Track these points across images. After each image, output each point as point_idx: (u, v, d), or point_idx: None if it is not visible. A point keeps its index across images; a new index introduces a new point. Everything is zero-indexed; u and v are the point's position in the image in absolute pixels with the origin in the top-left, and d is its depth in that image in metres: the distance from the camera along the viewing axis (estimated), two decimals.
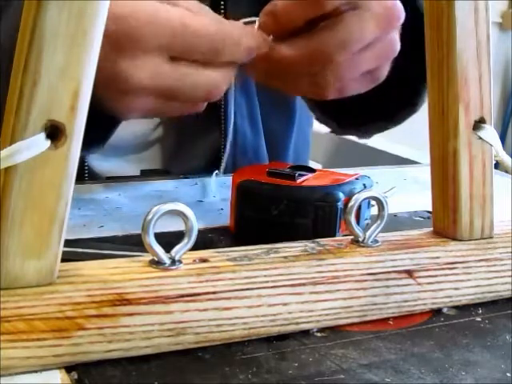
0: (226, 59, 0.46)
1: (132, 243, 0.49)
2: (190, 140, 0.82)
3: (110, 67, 0.44)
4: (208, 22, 0.45)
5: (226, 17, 0.72)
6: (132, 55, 0.44)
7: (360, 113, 0.57)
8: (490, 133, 0.45)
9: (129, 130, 0.78)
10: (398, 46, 0.50)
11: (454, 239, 0.46)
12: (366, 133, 0.57)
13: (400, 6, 0.49)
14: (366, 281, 0.42)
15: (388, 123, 0.54)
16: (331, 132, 0.65)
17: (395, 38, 0.50)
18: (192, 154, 0.83)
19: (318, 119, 0.71)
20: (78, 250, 0.47)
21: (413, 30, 0.51)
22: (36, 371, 0.35)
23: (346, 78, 0.49)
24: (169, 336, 0.37)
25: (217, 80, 0.47)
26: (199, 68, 0.46)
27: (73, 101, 0.33)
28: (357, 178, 0.55)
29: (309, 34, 0.47)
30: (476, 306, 0.46)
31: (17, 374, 0.34)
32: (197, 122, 0.80)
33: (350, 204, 0.44)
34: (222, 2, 0.73)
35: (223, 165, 0.73)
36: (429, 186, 0.48)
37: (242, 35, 0.46)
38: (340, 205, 0.51)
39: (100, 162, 0.78)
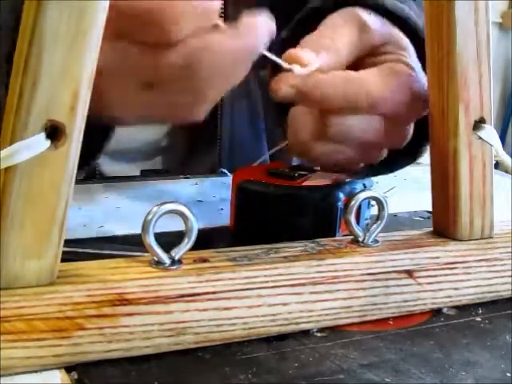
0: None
1: (132, 243, 0.49)
2: (191, 140, 0.82)
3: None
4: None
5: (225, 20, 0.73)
6: None
7: None
8: (490, 133, 0.45)
9: (139, 137, 0.78)
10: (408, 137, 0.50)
11: (454, 239, 0.46)
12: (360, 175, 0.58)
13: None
14: (365, 281, 0.42)
15: (385, 171, 0.55)
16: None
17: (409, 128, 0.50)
18: (193, 156, 0.83)
19: None
20: (78, 250, 0.47)
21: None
22: (36, 371, 0.35)
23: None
24: (169, 336, 0.37)
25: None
26: None
27: (73, 101, 0.33)
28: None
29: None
30: (476, 305, 0.46)
31: (17, 373, 0.34)
32: (197, 125, 0.81)
33: (350, 204, 0.44)
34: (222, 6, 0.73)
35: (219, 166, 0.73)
36: (429, 186, 0.48)
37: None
38: (340, 205, 0.51)
39: (106, 162, 0.79)
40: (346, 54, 0.47)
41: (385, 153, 0.51)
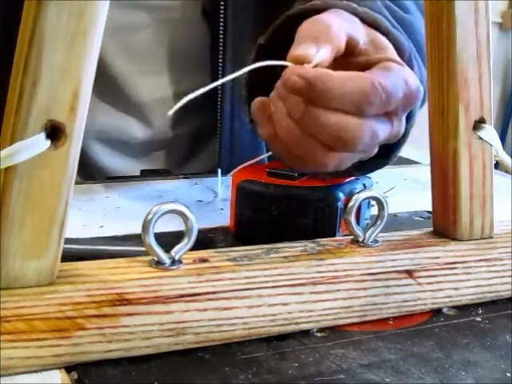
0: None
1: (132, 243, 0.49)
2: (191, 141, 0.82)
3: None
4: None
5: (225, 29, 0.73)
6: None
7: None
8: (490, 133, 0.45)
9: (140, 130, 0.78)
10: (403, 130, 0.50)
11: (454, 239, 0.46)
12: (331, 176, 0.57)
13: (421, 88, 0.48)
14: (365, 281, 0.42)
15: (356, 172, 0.55)
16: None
17: (403, 120, 0.50)
18: (193, 155, 0.83)
19: None
20: (72, 247, 0.47)
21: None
22: (36, 371, 0.35)
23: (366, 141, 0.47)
24: (169, 336, 0.37)
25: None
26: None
27: (73, 101, 0.33)
28: (357, 178, 0.55)
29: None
30: (476, 305, 0.46)
31: (17, 374, 0.34)
32: (197, 123, 0.81)
33: (350, 204, 0.44)
34: (222, 15, 0.73)
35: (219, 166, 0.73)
36: (429, 186, 0.48)
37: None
38: (340, 205, 0.51)
39: (106, 158, 0.79)
40: (340, 46, 0.47)
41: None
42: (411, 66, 0.51)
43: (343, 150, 0.46)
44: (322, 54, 0.45)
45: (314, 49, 0.45)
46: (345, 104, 0.44)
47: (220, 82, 0.43)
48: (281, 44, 0.52)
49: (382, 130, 0.46)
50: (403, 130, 0.49)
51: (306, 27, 0.47)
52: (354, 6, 0.51)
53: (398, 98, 0.45)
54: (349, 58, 0.48)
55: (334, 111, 0.44)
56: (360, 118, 0.44)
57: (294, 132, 0.45)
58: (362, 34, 0.49)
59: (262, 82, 0.48)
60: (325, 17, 0.48)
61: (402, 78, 0.46)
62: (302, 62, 0.44)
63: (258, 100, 0.47)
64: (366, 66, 0.47)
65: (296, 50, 0.45)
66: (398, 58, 0.49)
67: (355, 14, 0.51)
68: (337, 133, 0.44)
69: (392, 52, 0.50)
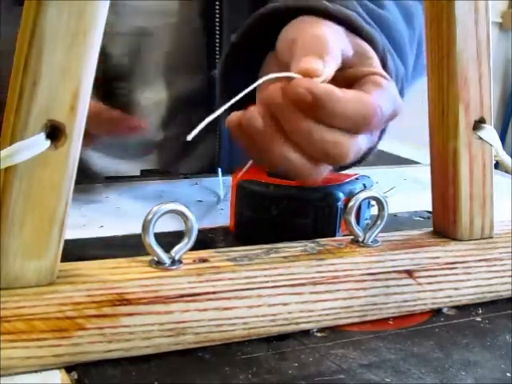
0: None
1: (132, 243, 0.49)
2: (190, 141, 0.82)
3: None
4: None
5: (221, 22, 0.73)
6: None
7: None
8: (490, 133, 0.45)
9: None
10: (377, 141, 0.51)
11: (454, 239, 0.46)
12: None
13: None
14: (365, 281, 0.42)
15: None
16: None
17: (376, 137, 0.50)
18: (192, 154, 0.83)
19: None
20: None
21: None
22: (36, 371, 0.35)
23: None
24: (169, 336, 0.37)
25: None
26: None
27: (73, 101, 0.33)
28: (357, 178, 0.55)
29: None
30: (476, 305, 0.46)
31: (17, 374, 0.34)
32: (192, 123, 0.81)
33: (350, 204, 0.44)
34: (217, 7, 0.73)
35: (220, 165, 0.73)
36: (429, 186, 0.48)
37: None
38: (340, 205, 0.51)
39: (102, 160, 0.79)
40: (338, 62, 0.47)
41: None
42: (385, 60, 0.51)
43: (328, 164, 0.46)
44: (330, 69, 0.45)
45: (321, 63, 0.45)
46: (345, 123, 0.44)
47: (234, 99, 0.42)
48: (253, 42, 0.52)
49: (365, 145, 0.47)
50: (377, 140, 0.50)
51: (305, 40, 0.47)
52: (327, 4, 0.51)
53: (388, 118, 0.46)
54: (336, 72, 0.48)
55: (328, 128, 0.44)
56: (351, 137, 0.44)
57: (285, 149, 0.44)
58: (348, 47, 0.49)
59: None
60: (320, 31, 0.48)
61: (393, 97, 0.47)
62: (311, 75, 0.44)
63: (234, 117, 0.46)
64: (352, 79, 0.48)
65: (305, 63, 0.44)
66: (383, 72, 0.49)
67: (328, 12, 0.51)
68: (326, 149, 0.44)
69: (376, 62, 0.50)
